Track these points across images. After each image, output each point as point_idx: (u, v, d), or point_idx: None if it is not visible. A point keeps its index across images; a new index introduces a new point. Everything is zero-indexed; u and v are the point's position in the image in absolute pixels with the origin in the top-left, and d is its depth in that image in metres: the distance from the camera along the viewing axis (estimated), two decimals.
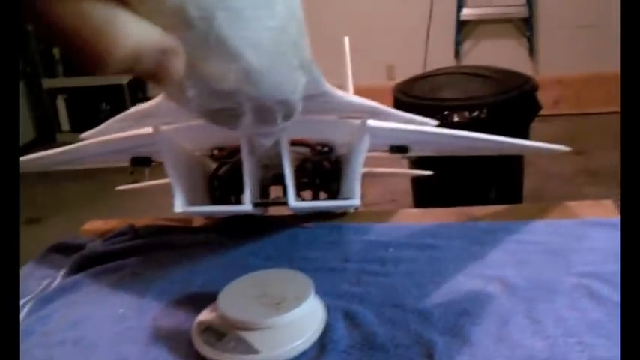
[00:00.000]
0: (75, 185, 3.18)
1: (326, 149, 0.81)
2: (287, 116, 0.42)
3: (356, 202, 0.71)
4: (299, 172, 0.80)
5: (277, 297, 0.61)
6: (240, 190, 0.86)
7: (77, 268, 0.77)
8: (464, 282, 0.66)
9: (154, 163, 0.82)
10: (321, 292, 0.63)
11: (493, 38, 3.89)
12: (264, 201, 0.79)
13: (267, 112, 0.39)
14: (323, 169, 0.83)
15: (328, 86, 0.52)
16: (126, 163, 0.82)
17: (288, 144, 0.72)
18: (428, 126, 0.79)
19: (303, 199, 0.82)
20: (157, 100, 0.63)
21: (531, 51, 3.80)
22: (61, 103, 4.24)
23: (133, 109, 0.68)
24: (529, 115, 1.95)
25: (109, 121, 0.73)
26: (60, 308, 0.69)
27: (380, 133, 0.71)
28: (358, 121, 0.70)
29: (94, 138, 0.75)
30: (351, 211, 0.88)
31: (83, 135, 0.77)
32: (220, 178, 0.83)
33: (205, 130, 0.71)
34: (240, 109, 0.35)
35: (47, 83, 4.13)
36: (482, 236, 0.76)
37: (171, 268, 0.76)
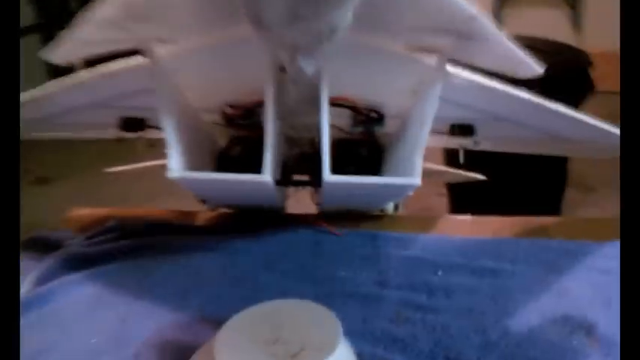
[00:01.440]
0: (87, 144, 3.05)
1: (374, 115, 0.63)
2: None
3: (416, 180, 0.54)
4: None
5: (294, 344, 0.45)
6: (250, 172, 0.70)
7: (50, 274, 0.63)
8: (540, 329, 0.50)
9: (148, 129, 0.66)
10: (351, 331, 0.48)
11: (534, 7, 3.65)
12: (287, 179, 0.62)
13: None
14: (360, 155, 0.66)
15: None
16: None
17: (328, 97, 0.54)
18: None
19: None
20: None
21: (575, 22, 3.57)
22: None
23: None
24: (581, 95, 1.75)
25: (81, 20, 0.45)
26: (21, 332, 0.55)
27: (455, 89, 0.54)
28: (431, 60, 0.53)
29: (62, 54, 0.49)
30: (390, 212, 0.71)
31: (43, 53, 0.49)
32: (231, 159, 0.67)
33: (218, 61, 0.55)
34: None
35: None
36: (558, 260, 0.60)
37: (164, 280, 0.61)
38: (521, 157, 0.75)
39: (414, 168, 0.53)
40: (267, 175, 0.53)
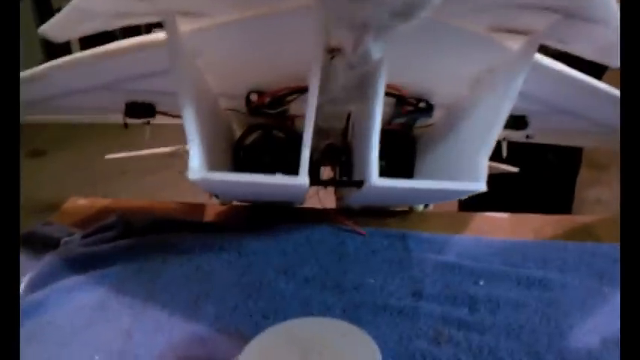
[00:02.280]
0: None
1: (423, 105, 0.56)
2: None
3: (481, 185, 0.46)
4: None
5: None
6: (274, 167, 0.63)
7: (46, 278, 0.56)
8: (600, 353, 0.45)
9: (157, 119, 0.59)
10: (385, 352, 0.42)
11: None
12: (317, 175, 0.54)
13: None
14: (392, 147, 0.59)
15: None
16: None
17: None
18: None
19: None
20: None
21: None
22: None
23: None
24: (598, 71, 1.68)
25: None
26: None
27: (537, 81, 0.46)
28: (513, 44, 0.45)
29: (61, 30, 0.42)
30: (420, 208, 0.65)
31: (43, 27, 0.40)
32: (247, 149, 0.61)
33: (250, 39, 0.46)
34: None
35: (58, 3, 3.89)
36: (612, 268, 0.54)
37: (174, 285, 0.55)
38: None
39: (478, 171, 0.45)
40: (303, 177, 0.45)
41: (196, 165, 0.43)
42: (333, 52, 0.42)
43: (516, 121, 0.56)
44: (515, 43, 0.45)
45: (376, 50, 0.37)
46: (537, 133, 0.60)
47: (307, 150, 0.44)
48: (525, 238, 0.60)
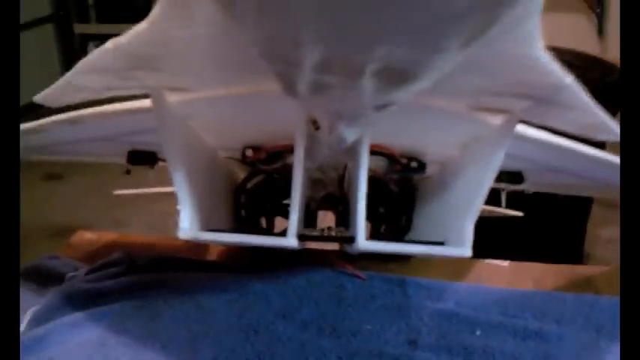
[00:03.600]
0: None
1: (414, 164, 0.57)
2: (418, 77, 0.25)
3: (466, 251, 0.47)
4: None
5: None
6: (275, 211, 0.64)
7: (49, 312, 0.57)
8: None
9: (160, 163, 0.61)
10: None
11: (556, 11, 3.56)
12: (311, 233, 0.55)
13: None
14: (390, 194, 0.60)
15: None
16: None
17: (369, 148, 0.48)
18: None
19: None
20: (153, 24, 0.33)
21: (600, 29, 3.48)
22: (92, 51, 4.05)
23: (110, 44, 0.37)
24: (612, 112, 1.68)
25: (78, 67, 0.40)
26: None
27: (519, 146, 0.47)
28: (496, 120, 0.46)
29: (55, 99, 0.45)
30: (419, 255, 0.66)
31: (37, 97, 0.44)
32: (249, 193, 0.62)
33: (238, 108, 0.48)
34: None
35: (79, 29, 3.95)
36: (608, 323, 0.54)
37: (174, 324, 0.55)
38: None
39: (463, 237, 0.46)
40: (292, 239, 0.47)
41: (187, 225, 0.46)
42: (316, 124, 0.44)
43: (512, 177, 0.57)
44: (497, 118, 0.46)
45: (351, 134, 0.38)
46: (535, 186, 0.60)
47: (295, 214, 0.46)
48: (525, 288, 0.60)
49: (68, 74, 0.40)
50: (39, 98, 0.45)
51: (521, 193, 0.64)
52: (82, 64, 0.39)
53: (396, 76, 0.26)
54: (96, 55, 0.38)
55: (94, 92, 0.45)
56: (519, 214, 0.83)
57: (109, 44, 0.37)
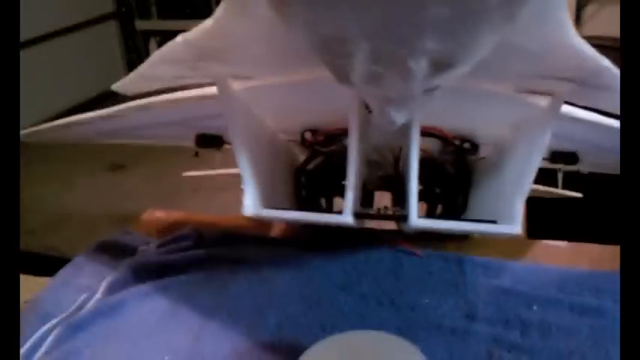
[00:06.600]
0: None
1: (467, 145, 0.59)
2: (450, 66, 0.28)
3: (516, 228, 0.48)
4: None
5: None
6: (334, 192, 0.67)
7: (123, 282, 0.61)
8: None
9: (226, 146, 0.64)
10: None
11: (617, 4, 3.45)
12: (367, 212, 0.58)
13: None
14: (447, 175, 0.62)
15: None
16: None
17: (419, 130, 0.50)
18: None
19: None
20: (217, 20, 0.37)
21: None
22: (153, 46, 4.15)
23: (180, 38, 0.40)
24: None
25: (151, 59, 0.44)
26: (92, 342, 0.53)
27: (571, 127, 0.49)
28: (543, 101, 0.48)
29: (130, 87, 0.50)
30: (476, 235, 0.67)
31: (115, 85, 0.49)
32: (310, 174, 0.65)
33: (297, 94, 0.52)
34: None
35: (140, 25, 4.06)
36: None
37: (240, 295, 0.58)
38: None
39: (514, 215, 0.48)
40: (348, 217, 0.49)
41: (250, 203, 0.50)
42: (368, 107, 0.46)
43: (567, 157, 0.57)
44: (543, 100, 0.48)
45: (400, 117, 0.40)
46: (590, 167, 0.61)
47: (351, 193, 0.49)
48: (582, 267, 0.60)
49: (142, 65, 0.45)
50: (117, 87, 0.49)
51: (580, 174, 0.64)
52: (154, 56, 0.43)
53: (437, 63, 0.28)
54: (167, 48, 0.42)
55: (165, 81, 0.49)
56: (578, 195, 0.83)
57: (179, 38, 0.41)
